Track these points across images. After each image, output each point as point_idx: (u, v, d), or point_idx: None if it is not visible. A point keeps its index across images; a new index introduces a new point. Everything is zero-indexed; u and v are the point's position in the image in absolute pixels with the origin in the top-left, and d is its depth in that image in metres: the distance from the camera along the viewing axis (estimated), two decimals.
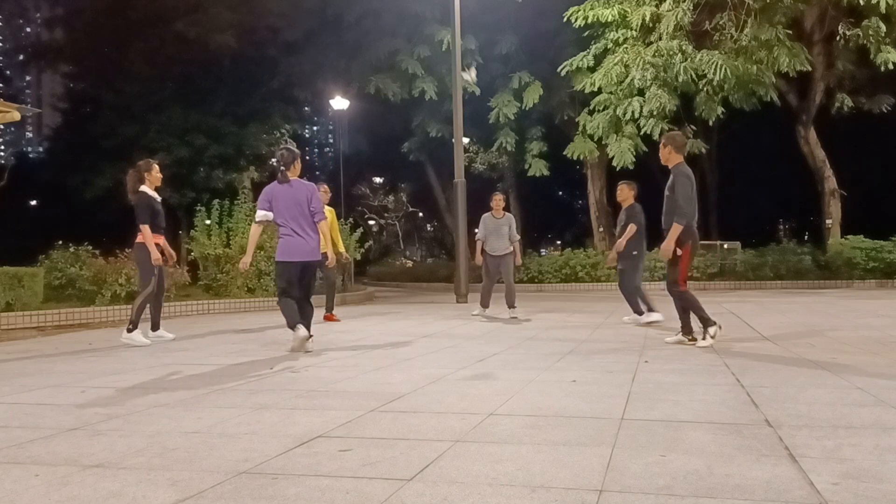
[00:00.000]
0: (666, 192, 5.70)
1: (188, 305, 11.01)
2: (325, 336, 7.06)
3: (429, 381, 4.24)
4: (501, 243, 8.92)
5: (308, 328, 5.75)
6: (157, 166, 6.94)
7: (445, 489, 2.21)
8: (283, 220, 5.81)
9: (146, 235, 6.59)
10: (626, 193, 8.00)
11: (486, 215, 9.11)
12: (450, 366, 4.91)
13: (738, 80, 16.77)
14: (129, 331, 6.65)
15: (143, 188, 6.77)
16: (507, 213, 9.12)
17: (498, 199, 9.14)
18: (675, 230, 5.56)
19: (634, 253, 7.77)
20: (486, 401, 3.60)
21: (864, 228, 18.43)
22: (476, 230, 9.25)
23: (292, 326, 5.74)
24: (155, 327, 6.98)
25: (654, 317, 7.72)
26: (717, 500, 2.07)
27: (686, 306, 5.78)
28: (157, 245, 6.69)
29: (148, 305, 6.85)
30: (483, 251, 9.07)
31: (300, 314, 5.77)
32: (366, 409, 3.44)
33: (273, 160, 6.12)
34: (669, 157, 5.78)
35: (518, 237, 9.26)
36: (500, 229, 8.92)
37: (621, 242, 7.73)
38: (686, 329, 5.81)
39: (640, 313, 7.85)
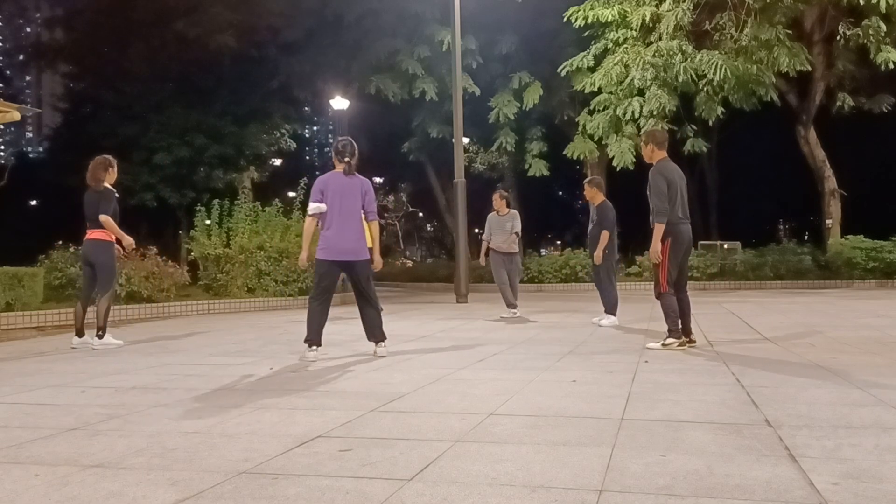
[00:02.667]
0: (647, 193, 5.65)
1: (188, 305, 11.01)
2: (324, 336, 7.05)
3: (429, 381, 4.24)
4: (505, 239, 9.02)
5: (375, 334, 5.44)
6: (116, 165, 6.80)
7: (445, 489, 2.21)
8: (331, 214, 5.30)
9: (112, 226, 6.40)
10: (593, 192, 8.09)
11: (490, 215, 9.28)
12: (450, 366, 4.91)
13: (738, 80, 16.76)
14: (100, 337, 6.49)
15: (106, 184, 6.60)
16: (511, 211, 9.19)
17: (497, 198, 9.25)
18: (658, 230, 5.49)
19: (606, 251, 7.94)
20: (486, 401, 3.60)
21: (864, 228, 18.40)
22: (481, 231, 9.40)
23: (307, 340, 5.31)
24: (80, 334, 6.59)
25: (609, 320, 7.88)
26: (717, 500, 2.07)
27: (663, 310, 5.60)
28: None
29: (79, 308, 6.60)
30: (489, 250, 9.18)
31: (364, 320, 5.47)
32: (366, 409, 3.43)
33: (336, 148, 5.57)
34: (652, 154, 5.71)
35: (517, 231, 9.17)
36: (503, 226, 9.06)
37: (598, 255, 7.89)
38: (685, 330, 5.77)
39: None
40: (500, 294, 9.23)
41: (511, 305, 9.07)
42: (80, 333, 6.58)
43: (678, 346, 5.55)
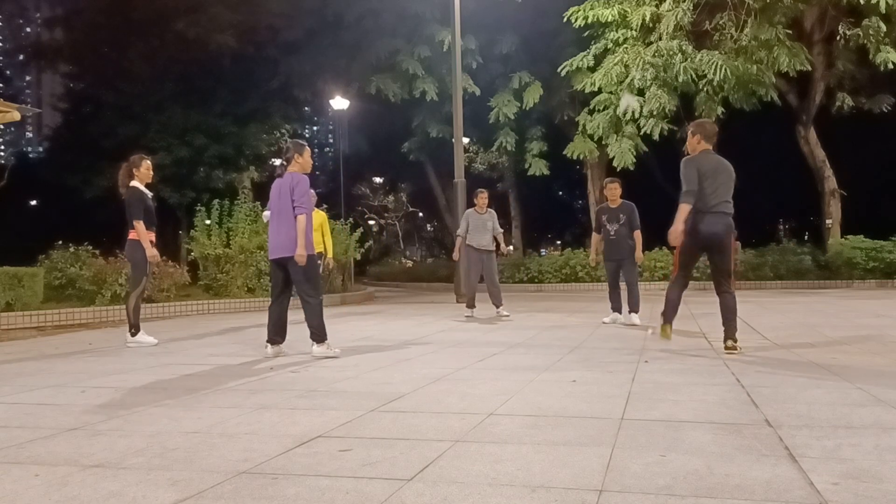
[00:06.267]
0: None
1: (188, 305, 11.01)
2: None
3: (429, 381, 4.24)
4: (486, 238, 9.09)
5: (311, 332, 5.48)
6: (147, 162, 6.79)
7: (445, 489, 2.21)
8: (271, 216, 5.62)
9: (140, 231, 6.47)
10: (619, 191, 8.11)
11: (469, 211, 9.38)
12: (450, 366, 4.91)
13: (738, 80, 16.75)
14: (133, 334, 6.56)
15: (134, 183, 6.62)
16: (489, 210, 9.27)
17: (483, 197, 9.27)
18: (681, 211, 5.26)
19: (631, 243, 7.98)
20: (486, 401, 3.60)
21: (864, 228, 18.39)
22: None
23: (266, 339, 5.67)
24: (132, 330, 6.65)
25: (639, 318, 7.87)
26: (717, 500, 2.07)
27: (665, 296, 5.54)
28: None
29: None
30: (465, 246, 9.24)
31: (305, 317, 5.52)
32: (366, 409, 3.44)
33: (276, 159, 5.73)
34: (697, 146, 5.58)
35: (500, 230, 9.36)
36: (484, 224, 9.11)
37: (640, 255, 7.99)
38: (726, 334, 5.41)
39: (627, 310, 8.03)
40: (466, 292, 9.39)
41: (472, 306, 9.22)
42: (132, 329, 6.65)
43: (660, 329, 5.51)
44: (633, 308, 7.96)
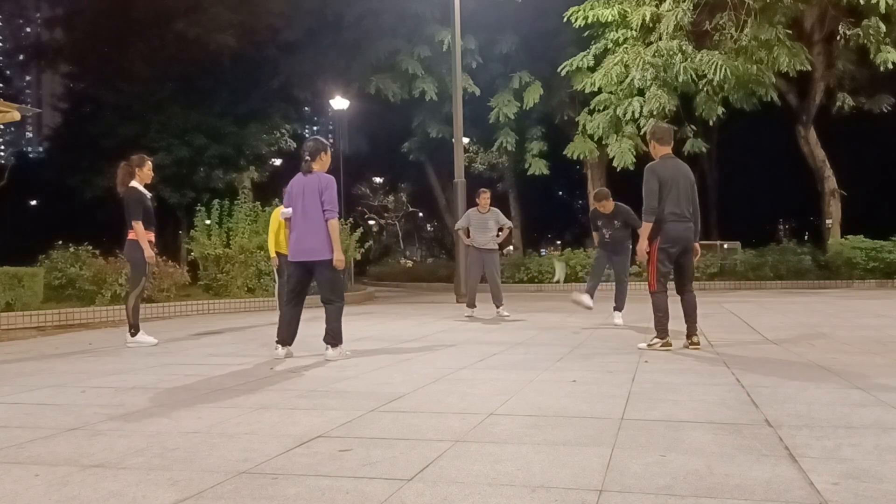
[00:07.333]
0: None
1: (188, 305, 11.02)
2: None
3: (429, 381, 4.24)
4: (487, 237, 9.09)
5: (328, 335, 5.37)
6: (150, 163, 6.76)
7: (445, 489, 2.21)
8: (294, 216, 5.39)
9: (139, 232, 6.44)
10: (605, 203, 7.87)
11: (471, 210, 9.41)
12: (450, 366, 4.91)
13: (738, 80, 16.77)
14: (133, 335, 6.55)
15: (133, 183, 6.59)
16: (492, 209, 9.27)
17: (485, 196, 9.25)
18: (644, 229, 5.60)
19: (627, 244, 7.92)
20: (486, 401, 3.60)
21: (864, 228, 18.40)
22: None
23: (277, 340, 5.53)
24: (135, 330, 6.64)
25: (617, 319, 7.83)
26: (717, 500, 2.07)
27: (652, 308, 5.58)
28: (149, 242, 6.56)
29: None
30: (467, 246, 9.34)
31: (326, 318, 5.41)
32: (366, 409, 3.44)
33: (302, 152, 5.66)
34: (654, 149, 5.74)
35: (509, 223, 9.43)
36: (485, 223, 9.11)
37: (641, 252, 7.78)
38: (688, 332, 5.59)
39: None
40: (467, 292, 9.39)
41: (472, 306, 9.23)
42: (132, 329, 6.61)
43: (661, 346, 5.52)
44: (619, 306, 7.92)
